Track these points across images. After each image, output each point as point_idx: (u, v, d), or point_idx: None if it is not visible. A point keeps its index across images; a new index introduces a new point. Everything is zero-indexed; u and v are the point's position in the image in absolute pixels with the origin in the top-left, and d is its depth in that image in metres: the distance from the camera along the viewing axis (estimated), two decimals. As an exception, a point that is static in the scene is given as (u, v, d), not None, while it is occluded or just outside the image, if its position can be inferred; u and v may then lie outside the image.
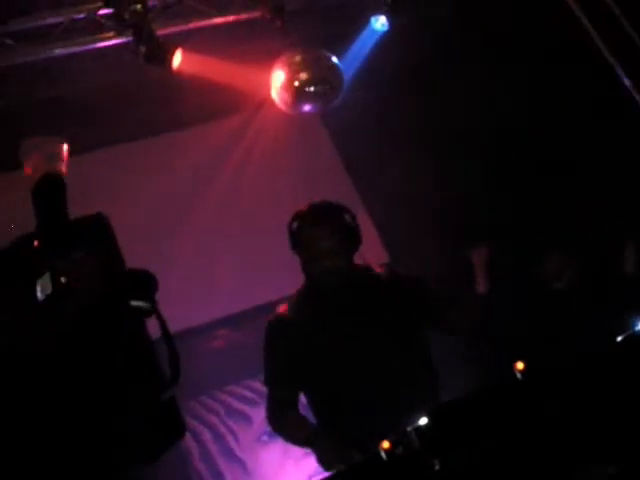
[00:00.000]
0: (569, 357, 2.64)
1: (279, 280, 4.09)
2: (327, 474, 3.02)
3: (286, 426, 3.39)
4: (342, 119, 5.17)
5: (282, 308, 3.47)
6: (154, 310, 2.31)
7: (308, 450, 4.16)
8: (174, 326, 4.35)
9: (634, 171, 4.19)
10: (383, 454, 2.35)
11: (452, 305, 3.50)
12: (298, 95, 4.70)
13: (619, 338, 2.91)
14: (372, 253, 4.63)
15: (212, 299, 4.59)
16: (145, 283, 2.31)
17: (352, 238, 3.42)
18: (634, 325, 2.92)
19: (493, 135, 4.48)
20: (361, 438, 3.00)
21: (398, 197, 4.91)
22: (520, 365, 2.59)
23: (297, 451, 4.36)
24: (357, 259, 3.50)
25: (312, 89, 4.67)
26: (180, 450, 4.24)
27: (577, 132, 4.43)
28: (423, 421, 2.51)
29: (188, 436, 4.34)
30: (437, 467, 2.22)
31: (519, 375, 2.57)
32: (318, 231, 3.36)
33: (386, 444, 2.36)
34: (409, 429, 2.41)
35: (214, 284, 4.63)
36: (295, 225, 3.43)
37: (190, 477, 4.32)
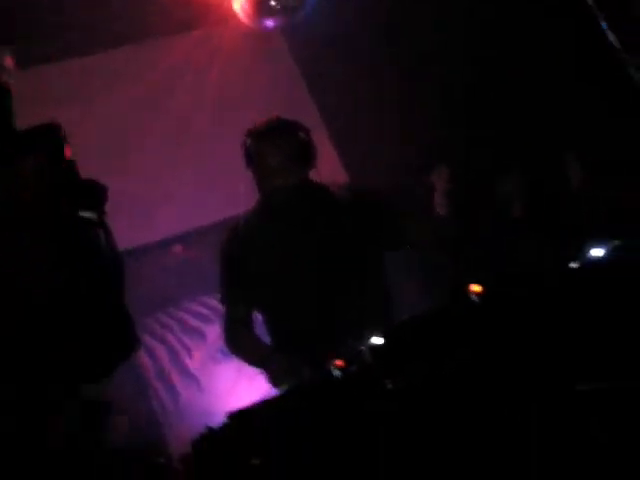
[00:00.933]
0: (523, 282, 2.64)
1: (235, 197, 4.05)
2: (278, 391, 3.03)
3: (241, 346, 3.39)
4: (307, 41, 5.08)
5: (236, 225, 3.44)
6: (101, 221, 2.26)
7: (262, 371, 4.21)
8: (130, 242, 4.36)
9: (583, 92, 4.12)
10: (336, 372, 2.35)
11: (408, 221, 3.47)
12: (261, 7, 4.60)
13: (573, 265, 2.92)
14: (330, 172, 4.61)
15: (168, 215, 4.54)
16: (93, 193, 2.26)
17: (305, 155, 3.37)
18: (587, 251, 2.92)
19: (459, 65, 4.41)
20: (313, 359, 3.02)
21: (359, 118, 4.86)
22: (476, 287, 2.59)
23: (251, 369, 4.37)
24: (313, 177, 3.47)
25: (276, 1, 4.57)
26: (135, 367, 4.23)
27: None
28: (377, 340, 2.52)
29: (143, 353, 4.34)
30: (390, 386, 2.22)
31: (475, 298, 2.58)
32: (268, 147, 3.31)
33: (339, 362, 2.36)
34: (363, 347, 2.41)
35: (170, 200, 4.57)
36: (247, 142, 3.38)
37: (146, 394, 4.32)
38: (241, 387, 4.38)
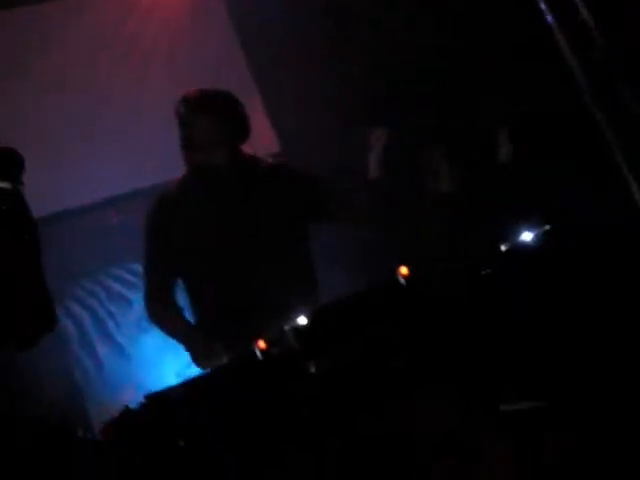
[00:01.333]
0: (452, 264, 2.63)
1: (164, 164, 3.98)
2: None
3: (162, 319, 3.34)
4: (247, 11, 4.98)
5: (163, 195, 3.38)
6: (16, 191, 2.19)
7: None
8: (55, 206, 4.25)
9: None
10: (259, 353, 2.31)
11: (341, 202, 3.44)
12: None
13: (503, 247, 2.92)
14: (264, 144, 4.55)
15: (95, 180, 4.42)
16: (9, 163, 2.18)
17: (237, 128, 3.30)
18: (517, 234, 2.91)
19: (392, 31, 4.35)
20: (236, 335, 2.98)
21: (295, 88, 4.78)
22: (404, 270, 2.57)
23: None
24: (246, 149, 3.41)
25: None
26: (60, 335, 4.14)
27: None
28: (301, 321, 2.49)
29: (67, 320, 4.25)
30: (313, 369, 2.19)
31: (402, 280, 2.56)
32: (198, 120, 3.24)
33: (262, 343, 2.32)
34: (287, 328, 2.38)
35: (98, 164, 4.45)
36: (179, 111, 3.30)
37: (70, 363, 4.24)
38: (167, 356, 4.31)
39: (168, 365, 4.33)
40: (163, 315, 3.33)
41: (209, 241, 3.26)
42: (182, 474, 2.09)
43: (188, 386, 2.24)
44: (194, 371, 4.42)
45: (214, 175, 3.25)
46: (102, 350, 4.37)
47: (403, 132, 4.29)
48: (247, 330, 2.82)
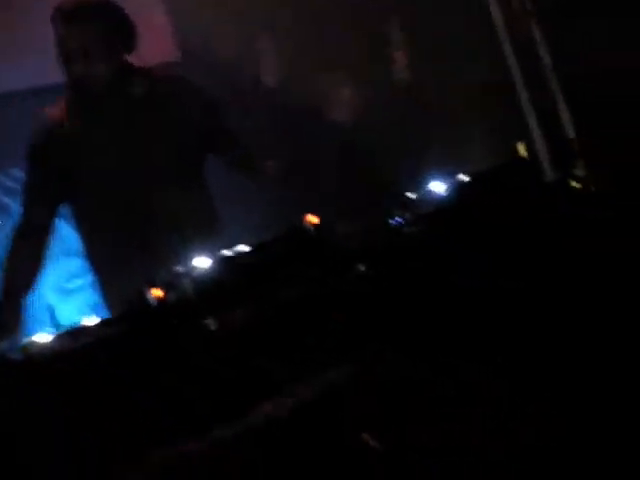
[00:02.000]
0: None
1: (43, 65, 3.70)
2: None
3: (13, 261, 3.08)
4: None
5: (50, 115, 3.11)
6: None
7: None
8: None
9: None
10: (153, 301, 2.14)
11: (238, 141, 3.24)
12: None
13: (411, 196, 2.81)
14: (162, 51, 4.29)
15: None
16: None
17: (119, 38, 3.03)
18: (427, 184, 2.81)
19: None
20: (126, 273, 2.81)
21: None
22: (312, 219, 2.43)
23: (57, 250, 4.10)
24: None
25: None
26: None
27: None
28: (201, 263, 2.32)
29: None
30: (213, 327, 2.04)
31: (311, 229, 2.42)
32: (72, 30, 2.96)
33: (156, 291, 2.15)
34: (185, 274, 2.21)
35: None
36: (53, 21, 3.01)
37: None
38: (46, 268, 4.09)
39: (47, 278, 4.10)
40: (17, 262, 3.07)
41: (94, 168, 3.02)
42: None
43: (71, 337, 2.05)
44: (73, 285, 4.25)
45: (94, 93, 3.00)
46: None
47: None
48: (137, 269, 2.65)
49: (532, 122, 3.44)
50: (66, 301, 4.23)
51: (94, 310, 3.92)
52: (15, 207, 4.07)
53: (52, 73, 3.40)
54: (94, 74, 2.98)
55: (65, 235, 4.01)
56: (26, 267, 3.11)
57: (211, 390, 1.96)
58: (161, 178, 3.04)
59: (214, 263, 2.25)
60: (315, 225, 2.38)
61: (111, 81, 3.01)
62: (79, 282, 4.15)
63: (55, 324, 4.07)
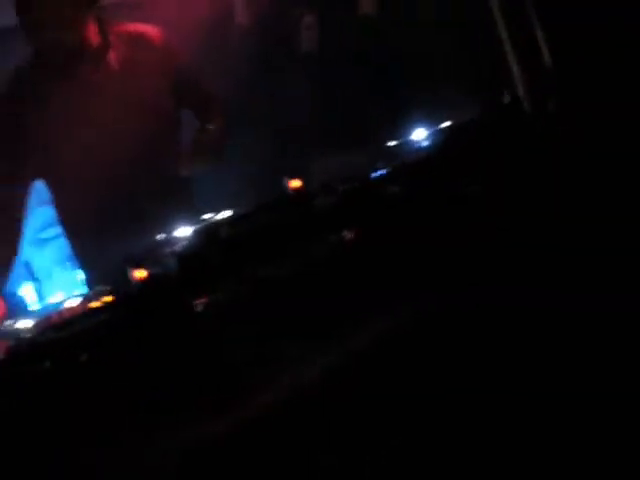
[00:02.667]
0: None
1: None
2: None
3: None
4: None
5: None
6: None
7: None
8: None
9: None
10: (136, 283, 2.07)
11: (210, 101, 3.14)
12: None
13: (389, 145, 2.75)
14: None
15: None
16: None
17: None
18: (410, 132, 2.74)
19: None
20: (102, 246, 2.73)
21: None
22: (295, 183, 2.36)
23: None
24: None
25: None
26: None
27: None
28: (183, 234, 2.26)
29: None
30: (199, 309, 1.98)
31: (292, 193, 2.36)
32: None
33: (139, 271, 2.08)
34: (169, 251, 2.15)
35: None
36: None
37: None
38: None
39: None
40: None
41: (66, 135, 2.91)
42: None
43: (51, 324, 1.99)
44: (47, 235, 4.16)
45: (64, 58, 2.87)
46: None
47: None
48: (114, 241, 2.58)
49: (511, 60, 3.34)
50: (41, 252, 4.14)
51: (69, 260, 3.85)
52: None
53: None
54: (64, 41, 2.84)
55: (37, 186, 3.92)
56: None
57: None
58: (135, 143, 2.93)
59: (196, 235, 2.19)
60: (298, 189, 2.31)
61: (80, 45, 2.88)
62: (53, 231, 4.05)
63: (32, 277, 3.99)
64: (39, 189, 3.95)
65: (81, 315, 2.01)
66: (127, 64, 2.99)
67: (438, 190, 2.41)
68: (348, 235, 2.16)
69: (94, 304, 2.09)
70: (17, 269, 3.91)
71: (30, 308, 3.24)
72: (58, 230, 4.04)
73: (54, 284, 3.84)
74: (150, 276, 2.05)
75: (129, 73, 2.98)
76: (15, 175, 3.00)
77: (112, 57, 2.98)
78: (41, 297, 3.84)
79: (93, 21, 2.95)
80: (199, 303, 1.97)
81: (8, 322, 2.21)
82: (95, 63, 2.96)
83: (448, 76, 3.53)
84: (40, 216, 4.08)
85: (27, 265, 3.95)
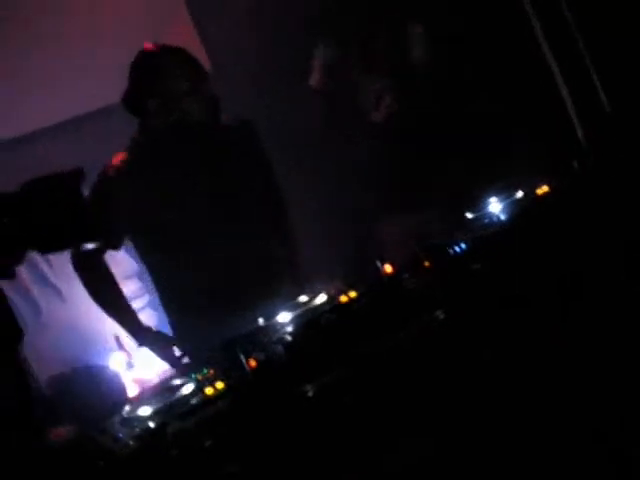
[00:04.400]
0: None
1: (100, 89, 3.76)
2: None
3: (101, 296, 3.16)
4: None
5: (116, 159, 3.17)
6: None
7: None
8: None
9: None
10: (248, 371, 2.22)
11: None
12: None
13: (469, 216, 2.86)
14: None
15: (30, 108, 4.11)
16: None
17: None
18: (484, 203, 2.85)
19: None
20: (208, 319, 2.88)
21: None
22: (388, 267, 2.50)
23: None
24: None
25: None
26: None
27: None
28: (284, 320, 2.40)
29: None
30: (310, 393, 2.12)
31: (386, 279, 2.50)
32: (182, 69, 3.03)
33: (252, 361, 2.23)
34: (274, 340, 2.29)
35: (31, 92, 4.13)
36: (156, 62, 3.05)
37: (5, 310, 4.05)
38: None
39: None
40: (101, 290, 3.19)
41: (174, 208, 3.08)
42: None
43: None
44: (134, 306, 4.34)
45: (194, 131, 3.05)
46: (38, 294, 4.21)
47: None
48: (225, 313, 2.72)
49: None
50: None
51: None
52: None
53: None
54: (199, 112, 3.04)
55: (120, 259, 4.11)
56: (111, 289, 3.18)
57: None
58: (242, 219, 3.11)
59: (298, 322, 2.34)
60: (389, 275, 2.45)
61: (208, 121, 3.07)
62: (139, 304, 4.24)
63: (121, 348, 4.18)
64: (121, 262, 4.16)
65: (197, 404, 2.15)
66: (228, 143, 3.16)
67: (522, 265, 2.50)
68: (440, 315, 2.28)
69: (209, 390, 2.23)
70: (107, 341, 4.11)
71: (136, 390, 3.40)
72: (145, 302, 4.24)
73: (143, 355, 4.01)
74: (260, 364, 2.19)
75: (231, 153, 3.16)
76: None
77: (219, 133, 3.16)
78: (130, 367, 4.03)
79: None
80: (309, 388, 2.10)
81: (128, 408, 2.37)
82: (213, 141, 3.14)
83: (515, 142, 3.65)
84: (126, 289, 4.28)
85: (117, 337, 4.14)
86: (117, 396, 3.65)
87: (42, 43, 4.20)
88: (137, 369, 4.08)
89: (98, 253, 3.18)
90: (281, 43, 4.35)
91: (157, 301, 3.99)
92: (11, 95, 4.11)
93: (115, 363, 4.13)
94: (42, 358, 4.00)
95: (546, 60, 3.78)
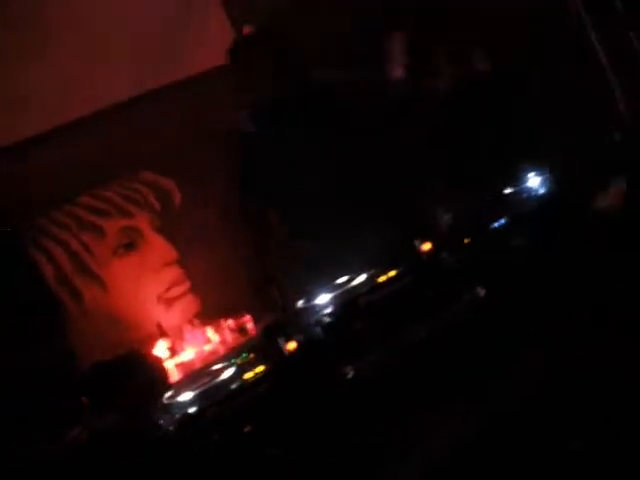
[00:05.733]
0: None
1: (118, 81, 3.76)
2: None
3: None
4: None
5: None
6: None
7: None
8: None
9: None
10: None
11: None
12: None
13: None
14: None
15: (52, 103, 4.13)
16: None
17: None
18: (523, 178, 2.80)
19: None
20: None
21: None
22: (426, 245, 2.47)
23: (155, 262, 4.19)
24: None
25: None
26: (34, 273, 3.97)
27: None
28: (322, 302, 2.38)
29: (41, 257, 4.06)
30: (350, 375, 2.10)
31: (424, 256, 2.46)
32: None
33: (291, 344, 2.21)
34: (312, 321, 2.27)
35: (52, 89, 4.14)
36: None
37: (46, 297, 4.08)
38: (146, 281, 4.18)
39: (148, 290, 4.21)
40: None
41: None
42: None
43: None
44: (174, 293, 4.34)
45: None
46: (80, 283, 4.22)
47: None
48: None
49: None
50: (169, 311, 4.32)
51: (196, 315, 4.04)
52: (107, 226, 4.17)
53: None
54: None
55: (160, 246, 4.11)
56: None
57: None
58: None
59: (337, 304, 2.31)
60: (428, 252, 2.42)
61: None
62: (179, 290, 4.22)
63: (163, 334, 4.17)
64: (160, 249, 4.16)
65: (237, 389, 2.13)
66: None
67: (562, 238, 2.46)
68: (481, 292, 2.24)
69: (248, 375, 2.22)
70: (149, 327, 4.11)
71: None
72: (183, 288, 4.23)
73: (184, 341, 4.01)
74: (300, 347, 2.17)
75: None
76: None
77: None
78: (172, 354, 4.02)
79: None
80: (349, 370, 2.08)
81: (168, 394, 2.37)
82: None
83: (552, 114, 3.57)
84: (165, 276, 4.28)
85: (158, 324, 4.13)
86: (160, 382, 3.66)
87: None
88: (180, 355, 4.08)
89: None
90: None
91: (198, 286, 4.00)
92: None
93: (158, 349, 4.13)
94: (85, 345, 4.00)
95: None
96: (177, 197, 4.14)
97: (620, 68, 3.29)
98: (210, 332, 3.72)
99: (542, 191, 2.72)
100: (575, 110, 3.40)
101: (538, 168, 2.80)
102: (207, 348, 3.71)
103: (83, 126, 4.18)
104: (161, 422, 2.19)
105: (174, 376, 3.60)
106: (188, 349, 3.93)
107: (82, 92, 4.14)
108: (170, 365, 3.98)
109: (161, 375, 3.73)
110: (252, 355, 2.41)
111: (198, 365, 3.47)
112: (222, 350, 3.37)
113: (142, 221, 4.13)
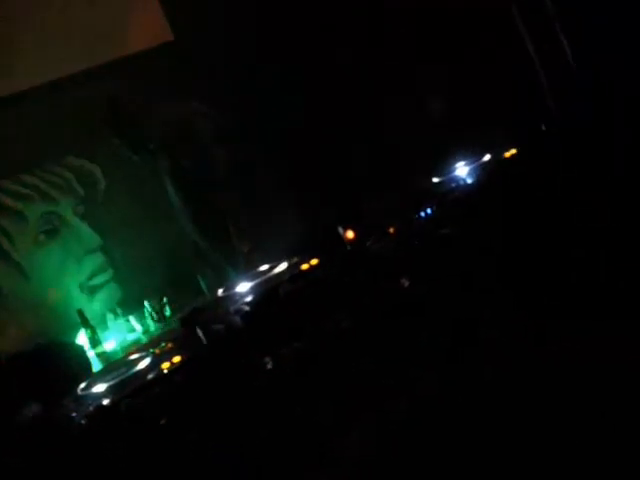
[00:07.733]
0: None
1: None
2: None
3: None
4: None
5: None
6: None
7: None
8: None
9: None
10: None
11: None
12: None
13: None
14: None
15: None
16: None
17: None
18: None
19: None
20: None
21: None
22: (350, 233, 2.42)
23: (77, 250, 4.10)
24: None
25: None
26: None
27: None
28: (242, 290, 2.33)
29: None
30: (269, 365, 2.04)
31: (347, 244, 2.42)
32: None
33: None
34: (232, 309, 2.22)
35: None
36: None
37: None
38: (68, 270, 4.08)
39: (70, 279, 4.11)
40: None
41: None
42: None
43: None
44: (97, 281, 4.25)
45: None
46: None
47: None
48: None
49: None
50: (92, 298, 4.22)
51: (119, 304, 3.95)
52: (30, 213, 4.05)
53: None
54: None
55: (84, 234, 4.01)
56: None
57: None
58: None
59: (257, 293, 2.26)
60: (351, 240, 2.38)
61: None
62: (102, 278, 4.13)
63: (86, 324, 4.07)
64: (85, 237, 4.06)
65: (153, 379, 2.07)
66: None
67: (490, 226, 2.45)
68: (405, 282, 2.21)
69: (165, 365, 2.15)
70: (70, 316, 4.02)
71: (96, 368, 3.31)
72: (106, 277, 4.14)
73: (107, 330, 3.92)
74: (219, 336, 2.12)
75: None
76: None
77: None
78: (95, 343, 3.94)
79: None
80: (268, 360, 2.03)
81: (82, 386, 2.30)
82: None
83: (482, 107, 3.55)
84: (89, 264, 4.18)
85: (80, 312, 4.04)
86: (82, 372, 3.57)
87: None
88: (102, 344, 3.99)
89: None
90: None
91: (120, 275, 3.92)
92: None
93: (80, 339, 4.03)
94: (5, 335, 3.89)
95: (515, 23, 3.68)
96: (102, 183, 4.03)
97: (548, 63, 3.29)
98: (133, 321, 3.66)
99: (467, 181, 2.71)
100: (504, 103, 3.40)
101: (465, 159, 2.79)
102: (129, 337, 3.62)
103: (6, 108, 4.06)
104: (74, 414, 2.12)
105: (96, 366, 3.53)
106: (110, 338, 3.86)
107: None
108: (92, 354, 3.90)
109: (83, 365, 3.65)
110: (170, 344, 2.35)
111: (120, 354, 3.40)
112: (144, 339, 3.30)
113: (65, 207, 4.03)
